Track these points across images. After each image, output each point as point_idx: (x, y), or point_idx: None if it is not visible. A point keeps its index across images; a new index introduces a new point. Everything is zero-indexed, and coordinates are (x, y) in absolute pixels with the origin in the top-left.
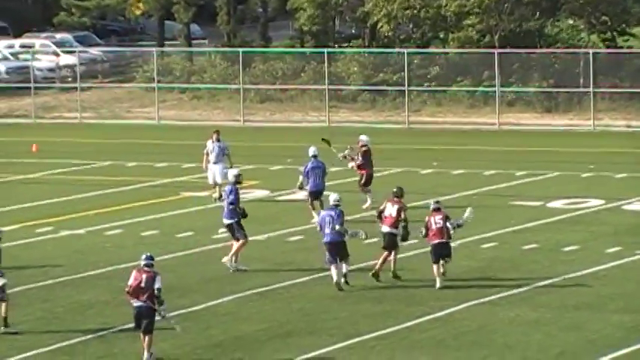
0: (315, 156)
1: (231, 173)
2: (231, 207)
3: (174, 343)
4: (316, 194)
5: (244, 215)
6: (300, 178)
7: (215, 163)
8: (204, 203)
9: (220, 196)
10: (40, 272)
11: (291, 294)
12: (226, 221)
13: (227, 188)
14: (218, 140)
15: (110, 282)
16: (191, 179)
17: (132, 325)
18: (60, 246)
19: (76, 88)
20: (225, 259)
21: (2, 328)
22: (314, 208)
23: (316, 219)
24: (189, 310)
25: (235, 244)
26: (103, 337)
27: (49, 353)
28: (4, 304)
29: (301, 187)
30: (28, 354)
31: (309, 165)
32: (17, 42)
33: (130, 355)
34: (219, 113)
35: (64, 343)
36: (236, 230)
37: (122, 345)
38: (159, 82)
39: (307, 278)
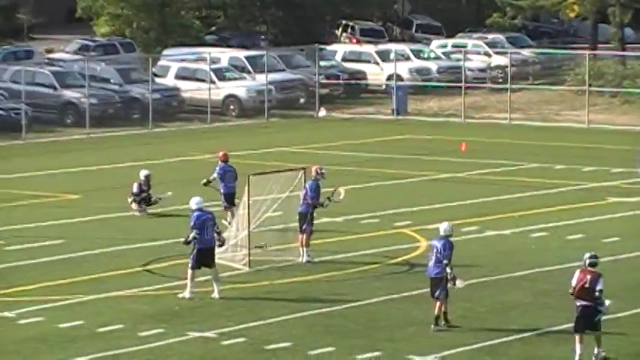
0: None
1: None
2: None
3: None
4: None
5: None
6: None
7: None
8: (632, 209)
9: None
10: (464, 271)
11: None
12: None
13: None
14: None
15: (534, 284)
16: (619, 184)
17: (556, 327)
18: (484, 246)
19: (506, 89)
20: None
21: (443, 322)
22: None
23: None
24: (613, 316)
25: None
26: (526, 339)
27: (471, 352)
28: (442, 303)
29: None
30: (451, 351)
31: None
32: (450, 42)
33: (553, 359)
34: None
35: (486, 343)
36: None
37: (546, 348)
38: (590, 85)
39: None
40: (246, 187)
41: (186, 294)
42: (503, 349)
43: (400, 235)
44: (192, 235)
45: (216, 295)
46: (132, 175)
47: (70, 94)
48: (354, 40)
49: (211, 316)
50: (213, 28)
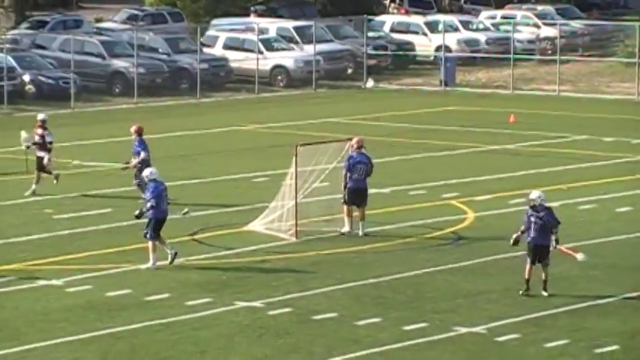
0: None
1: None
2: None
3: None
4: None
5: None
6: None
7: None
8: None
9: None
10: (508, 245)
11: None
12: None
13: None
14: None
15: None
16: None
17: (603, 300)
18: None
19: (555, 60)
20: None
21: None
22: None
23: None
24: None
25: None
26: (573, 311)
27: (518, 324)
28: (545, 269)
29: None
30: (497, 323)
31: None
32: (499, 13)
33: (599, 331)
34: None
35: (533, 315)
36: None
37: (593, 320)
38: None
39: None
40: (294, 158)
41: (151, 264)
42: (550, 321)
43: (448, 207)
44: (149, 205)
45: (151, 265)
46: (179, 145)
47: (118, 63)
48: (403, 11)
49: (258, 285)
50: None
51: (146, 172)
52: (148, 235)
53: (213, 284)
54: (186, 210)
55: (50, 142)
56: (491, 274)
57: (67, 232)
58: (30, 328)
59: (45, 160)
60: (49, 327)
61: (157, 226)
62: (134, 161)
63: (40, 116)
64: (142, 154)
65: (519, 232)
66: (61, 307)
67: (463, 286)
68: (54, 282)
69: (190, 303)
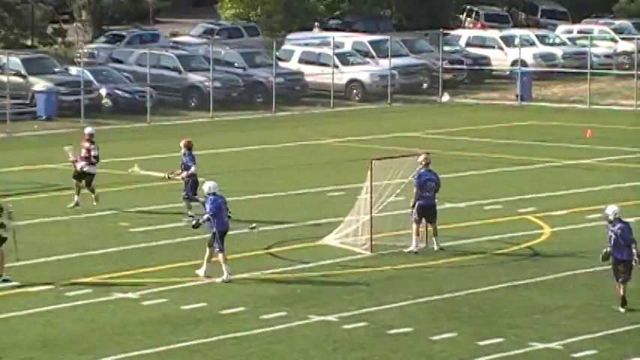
0: None
1: None
2: None
3: None
4: None
5: None
6: None
7: None
8: None
9: None
10: (585, 261)
11: None
12: None
13: None
14: None
15: None
16: None
17: None
18: None
19: (632, 75)
20: None
21: (621, 307)
22: None
23: None
24: None
25: None
26: None
27: (594, 339)
28: (623, 285)
29: None
30: (574, 339)
31: None
32: (575, 27)
33: None
34: None
35: (610, 331)
36: None
37: None
38: None
39: None
40: (369, 172)
41: (225, 276)
42: (628, 337)
43: (524, 222)
44: (205, 217)
45: (225, 277)
46: (256, 159)
47: (194, 77)
48: (479, 25)
49: (333, 299)
50: (337, 12)
51: (206, 186)
52: (217, 249)
53: (288, 298)
54: (254, 225)
55: (96, 157)
56: (568, 289)
57: (142, 245)
58: (106, 342)
59: (77, 167)
60: (125, 340)
61: (222, 238)
62: (183, 174)
63: (88, 130)
64: (192, 169)
65: (608, 247)
66: (137, 321)
67: (539, 301)
68: (130, 295)
69: (265, 317)
